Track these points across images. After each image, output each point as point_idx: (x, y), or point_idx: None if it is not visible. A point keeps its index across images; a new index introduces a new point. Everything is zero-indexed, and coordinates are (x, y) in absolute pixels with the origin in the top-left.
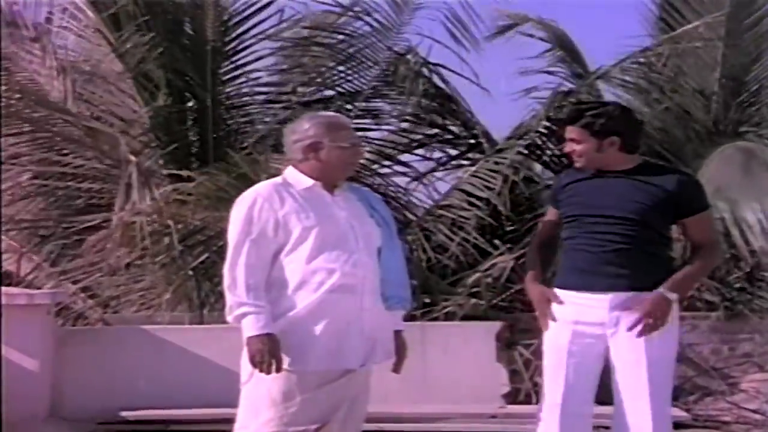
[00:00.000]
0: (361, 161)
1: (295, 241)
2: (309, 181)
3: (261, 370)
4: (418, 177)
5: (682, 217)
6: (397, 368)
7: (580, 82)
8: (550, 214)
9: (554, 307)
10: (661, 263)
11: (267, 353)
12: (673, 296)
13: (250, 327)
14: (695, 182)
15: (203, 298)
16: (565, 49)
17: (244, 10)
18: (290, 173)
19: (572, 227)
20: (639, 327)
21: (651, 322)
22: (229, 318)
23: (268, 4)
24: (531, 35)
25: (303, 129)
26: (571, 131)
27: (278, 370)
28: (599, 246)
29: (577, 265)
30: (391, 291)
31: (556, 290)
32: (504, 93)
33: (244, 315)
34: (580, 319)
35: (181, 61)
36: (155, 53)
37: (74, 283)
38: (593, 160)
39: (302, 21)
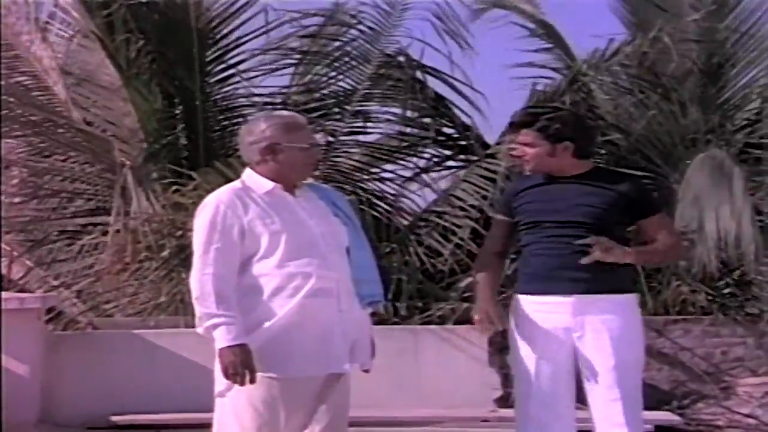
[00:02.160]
0: (354, 164)
1: (266, 248)
2: (269, 184)
3: (235, 382)
4: (408, 180)
5: (639, 219)
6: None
7: (566, 76)
8: (500, 225)
9: (519, 315)
10: (621, 265)
11: (240, 365)
12: (630, 254)
13: (222, 338)
14: (646, 186)
15: None
16: (554, 43)
17: (227, 12)
18: (248, 176)
19: (531, 233)
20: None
21: (603, 249)
22: (199, 330)
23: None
24: (524, 27)
25: (259, 130)
26: (525, 135)
27: (252, 381)
28: (558, 250)
29: (538, 271)
30: (365, 290)
31: (519, 297)
32: (498, 92)
33: (214, 326)
34: (545, 325)
35: (172, 63)
36: (147, 56)
37: (67, 287)
38: (544, 165)
39: (291, 23)
